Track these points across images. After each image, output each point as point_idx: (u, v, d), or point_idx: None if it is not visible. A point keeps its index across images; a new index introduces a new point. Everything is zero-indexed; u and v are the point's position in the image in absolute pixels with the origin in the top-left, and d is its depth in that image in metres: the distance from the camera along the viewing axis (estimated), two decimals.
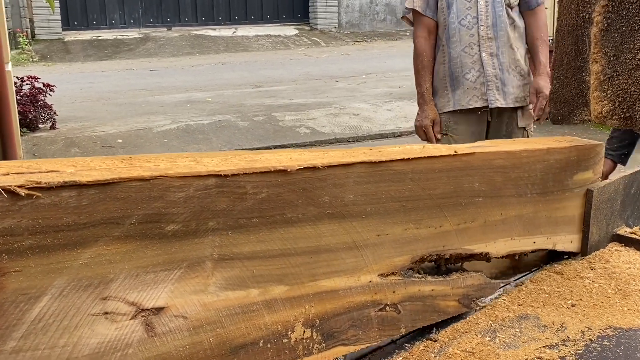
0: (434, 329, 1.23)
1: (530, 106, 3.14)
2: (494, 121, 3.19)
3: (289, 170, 0.94)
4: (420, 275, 1.18)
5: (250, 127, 7.89)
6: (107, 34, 15.32)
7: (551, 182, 1.42)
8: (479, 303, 1.32)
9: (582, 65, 1.74)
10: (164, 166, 0.82)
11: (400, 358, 1.14)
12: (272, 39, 16.03)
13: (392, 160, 1.08)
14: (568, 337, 1.17)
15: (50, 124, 7.56)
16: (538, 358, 1.10)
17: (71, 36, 14.88)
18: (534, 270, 1.52)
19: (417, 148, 1.18)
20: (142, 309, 0.80)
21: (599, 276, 1.45)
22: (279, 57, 14.21)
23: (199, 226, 0.85)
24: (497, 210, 1.30)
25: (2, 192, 0.64)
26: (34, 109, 7.40)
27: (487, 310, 1.30)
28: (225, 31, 16.30)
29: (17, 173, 0.68)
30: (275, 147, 7.28)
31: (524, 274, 1.50)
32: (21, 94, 7.11)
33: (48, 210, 0.69)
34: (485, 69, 3.09)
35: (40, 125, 7.51)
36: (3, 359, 0.69)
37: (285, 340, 0.97)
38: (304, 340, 1.00)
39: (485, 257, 1.31)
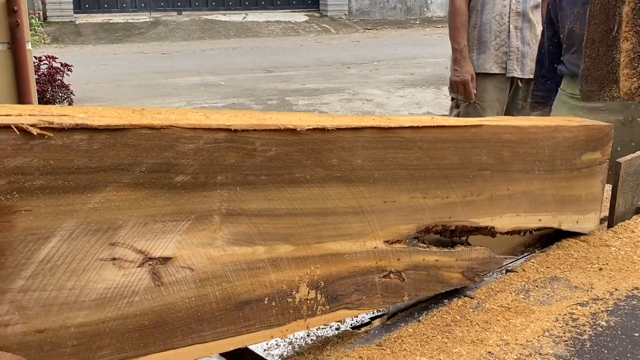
0: (471, 288, 1.30)
1: None
2: (515, 87, 3.51)
3: (298, 129, 0.93)
4: (425, 245, 1.18)
5: (264, 111, 7.91)
6: (118, 18, 15.36)
7: (559, 160, 1.41)
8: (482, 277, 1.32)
9: (613, 44, 1.80)
10: (174, 117, 0.83)
11: (440, 312, 1.19)
12: (282, 25, 16.01)
13: (401, 127, 1.07)
14: (597, 296, 1.23)
15: (67, 104, 7.60)
16: (570, 314, 1.16)
17: (82, 19, 14.94)
18: (539, 249, 1.52)
19: (426, 118, 1.18)
20: (149, 258, 0.80)
21: (624, 244, 1.49)
22: (289, 43, 14.19)
23: (208, 179, 0.85)
24: (504, 184, 1.29)
25: (15, 129, 0.65)
26: (52, 89, 7.44)
27: (518, 273, 1.36)
28: (236, 16, 16.30)
29: (30, 115, 0.69)
30: None
31: (527, 254, 1.50)
32: (39, 73, 7.14)
33: (59, 152, 0.70)
34: (510, 40, 3.43)
35: (57, 105, 7.56)
36: (11, 297, 0.70)
37: (290, 300, 0.97)
38: (308, 301, 1.00)
39: (490, 231, 1.30)
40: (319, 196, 0.99)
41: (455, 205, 1.20)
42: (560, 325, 1.12)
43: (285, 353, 1.09)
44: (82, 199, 0.72)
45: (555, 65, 2.88)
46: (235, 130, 0.86)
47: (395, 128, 1.06)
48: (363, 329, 1.17)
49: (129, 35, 14.33)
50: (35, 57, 6.50)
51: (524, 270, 1.37)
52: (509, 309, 1.19)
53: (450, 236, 1.25)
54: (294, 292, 0.97)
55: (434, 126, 1.13)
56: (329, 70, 10.87)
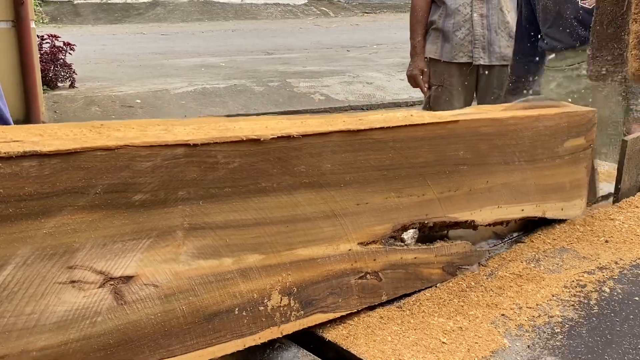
0: (484, 258, 1.35)
1: None
2: (484, 75, 3.53)
3: (262, 139, 0.91)
4: (402, 244, 1.17)
5: (265, 92, 7.88)
6: None
7: (540, 149, 1.38)
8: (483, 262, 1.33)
9: (621, 25, 1.84)
10: (132, 135, 0.81)
11: (456, 279, 1.25)
12: (280, 8, 15.90)
13: (371, 129, 1.05)
14: (603, 265, 1.30)
15: (70, 83, 7.59)
16: (578, 280, 1.23)
17: None
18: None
19: (400, 116, 1.16)
20: (110, 278, 0.80)
21: (628, 218, 1.55)
22: (288, 26, 14.11)
23: (168, 195, 0.84)
24: (482, 178, 1.27)
25: None
26: (54, 68, 7.43)
27: (527, 243, 1.42)
28: None
29: None
30: (291, 112, 7.28)
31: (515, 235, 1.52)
32: (41, 52, 7.11)
33: (9, 180, 0.68)
34: (475, 29, 3.45)
35: (59, 84, 7.55)
36: None
37: (262, 308, 0.96)
38: (281, 308, 0.99)
39: (470, 225, 1.29)
40: (288, 204, 0.97)
41: (432, 202, 1.19)
42: (568, 290, 1.19)
43: None
44: (36, 225, 0.71)
45: (535, 44, 2.86)
46: (195, 145, 0.84)
47: (365, 130, 1.04)
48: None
49: (127, 16, 14.25)
50: (37, 35, 6.47)
51: (532, 242, 1.43)
52: (521, 276, 1.25)
53: (429, 232, 1.24)
54: (266, 300, 0.96)
55: (406, 125, 1.10)
56: (328, 53, 10.80)
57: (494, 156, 1.28)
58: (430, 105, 3.74)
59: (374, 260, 1.11)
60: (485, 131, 1.25)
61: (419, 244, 1.20)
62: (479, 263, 1.31)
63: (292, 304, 1.00)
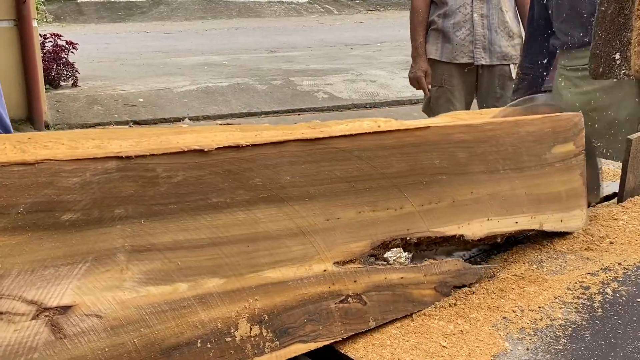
0: (486, 258, 1.34)
1: None
2: (485, 74, 3.52)
3: (206, 150, 0.84)
4: (385, 263, 1.10)
5: (268, 91, 7.83)
6: None
7: (526, 156, 1.31)
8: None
9: (624, 22, 1.83)
10: (62, 149, 0.74)
11: None
12: (284, 6, 15.86)
13: (332, 137, 0.98)
14: (607, 267, 1.29)
15: (72, 82, 7.58)
16: (581, 282, 1.22)
17: None
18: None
19: (366, 124, 1.09)
20: (44, 308, 0.73)
21: (632, 218, 1.52)
22: (292, 24, 14.06)
23: (103, 214, 0.77)
24: (465, 188, 1.19)
25: None
26: (57, 67, 7.41)
27: (530, 244, 1.40)
28: None
29: None
30: (294, 110, 7.25)
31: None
32: (44, 51, 7.09)
33: None
34: (475, 29, 3.44)
35: (62, 83, 7.54)
36: None
37: (229, 339, 0.88)
38: (252, 339, 0.90)
39: (460, 240, 1.22)
40: (246, 221, 0.90)
41: (412, 215, 1.11)
42: (571, 293, 1.18)
43: None
44: None
45: (546, 41, 2.80)
46: (129, 157, 0.77)
47: (325, 139, 0.97)
48: None
49: (131, 14, 14.23)
50: (40, 34, 6.45)
51: (534, 242, 1.40)
52: (523, 278, 1.24)
53: (415, 250, 1.17)
54: (233, 330, 0.88)
55: (371, 132, 1.03)
56: (332, 51, 10.75)
57: (476, 164, 1.21)
58: (430, 105, 3.70)
59: (355, 281, 1.03)
60: (461, 138, 1.18)
61: (405, 263, 1.14)
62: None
63: (264, 334, 0.91)
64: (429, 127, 1.11)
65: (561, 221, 1.41)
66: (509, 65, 3.45)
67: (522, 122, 1.30)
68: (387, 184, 1.06)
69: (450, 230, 1.18)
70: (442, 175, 1.14)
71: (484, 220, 1.24)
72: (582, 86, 2.72)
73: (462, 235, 1.20)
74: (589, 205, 1.53)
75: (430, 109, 3.73)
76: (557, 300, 1.15)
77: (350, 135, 0.99)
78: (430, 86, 3.60)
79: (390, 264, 1.11)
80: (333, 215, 1.00)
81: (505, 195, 1.27)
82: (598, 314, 1.10)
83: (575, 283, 1.21)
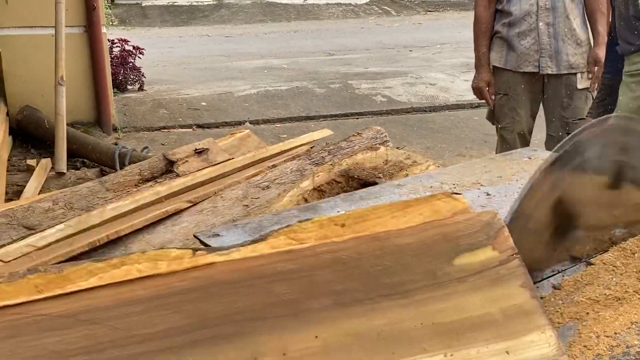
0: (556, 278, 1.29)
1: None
2: (552, 83, 3.44)
3: None
4: None
5: (327, 94, 7.89)
6: (182, 0, 15.55)
7: (407, 276, 1.00)
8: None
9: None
10: None
11: None
12: (342, 7, 15.88)
13: (39, 300, 0.74)
14: None
15: (139, 86, 7.80)
16: None
17: (148, 1, 15.21)
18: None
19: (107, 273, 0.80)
20: None
21: None
22: (350, 26, 14.09)
23: None
24: (304, 333, 0.88)
25: None
26: (124, 71, 7.64)
27: (604, 266, 1.35)
28: None
29: None
30: (352, 114, 7.27)
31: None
32: (112, 56, 7.33)
33: None
34: (541, 38, 3.35)
35: (129, 87, 7.76)
36: None
37: None
38: None
39: None
40: None
41: None
42: None
43: None
44: None
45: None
46: None
47: (26, 303, 0.72)
48: None
49: (193, 18, 14.53)
50: (108, 39, 6.66)
51: (605, 264, 1.36)
52: (598, 301, 1.21)
53: None
54: None
55: (98, 286, 0.75)
56: (390, 53, 10.73)
57: (317, 299, 0.92)
58: (494, 114, 3.67)
59: None
60: (284, 268, 0.90)
61: None
62: (552, 285, 1.27)
63: None
64: (213, 264, 0.83)
65: (507, 353, 1.03)
66: (575, 74, 3.38)
67: (394, 233, 1.01)
68: (150, 349, 0.76)
69: None
70: (258, 321, 0.84)
71: None
72: (636, 91, 2.69)
73: None
74: None
75: (494, 118, 3.70)
76: (633, 325, 1.12)
77: (71, 292, 0.74)
78: (494, 96, 3.57)
79: None
80: None
81: (382, 332, 0.95)
82: None
83: None
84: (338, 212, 1.64)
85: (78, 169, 4.90)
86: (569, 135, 1.38)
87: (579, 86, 3.39)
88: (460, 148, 6.03)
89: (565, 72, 3.39)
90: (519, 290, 1.06)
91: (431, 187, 1.82)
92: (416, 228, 1.04)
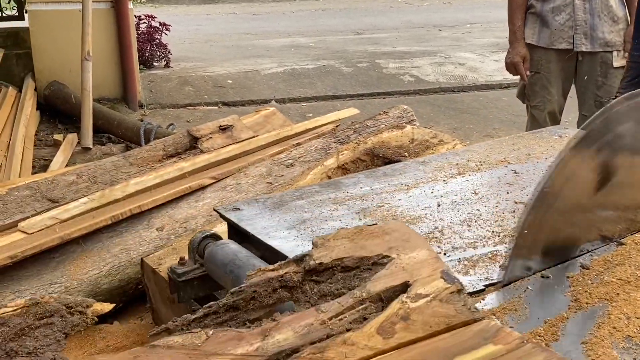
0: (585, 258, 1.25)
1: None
2: (586, 61, 3.36)
3: None
4: None
5: (354, 73, 7.81)
6: None
7: None
8: None
9: None
10: None
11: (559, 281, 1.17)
12: None
13: None
14: None
15: (165, 63, 7.80)
16: None
17: None
18: None
19: None
20: None
21: None
22: (378, 5, 13.93)
23: None
24: None
25: None
26: (150, 47, 7.65)
27: (634, 245, 1.31)
28: None
29: None
30: (380, 94, 7.19)
31: None
32: (138, 32, 7.33)
33: None
34: (576, 14, 3.26)
35: (155, 64, 7.77)
36: None
37: None
38: None
39: None
40: None
41: None
42: None
43: None
44: None
45: None
46: None
47: None
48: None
49: None
50: (135, 16, 6.67)
51: (636, 244, 1.32)
52: (629, 282, 1.17)
53: None
54: None
55: None
56: (419, 32, 10.58)
57: None
58: (525, 92, 3.59)
59: None
60: None
61: None
62: (580, 265, 1.22)
63: None
64: None
65: None
66: (611, 52, 3.29)
67: None
68: None
69: None
70: None
71: None
72: None
73: None
74: None
75: (525, 96, 3.62)
76: None
77: None
78: (528, 72, 3.48)
79: None
80: None
81: None
82: None
83: None
84: (361, 188, 1.60)
85: (104, 145, 4.92)
86: (599, 111, 1.31)
87: (615, 64, 3.30)
88: (488, 129, 5.93)
89: (600, 49, 3.31)
90: None
91: (457, 164, 1.77)
92: (400, 351, 0.96)
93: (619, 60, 3.31)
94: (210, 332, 0.99)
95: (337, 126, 3.76)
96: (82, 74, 4.81)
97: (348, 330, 0.98)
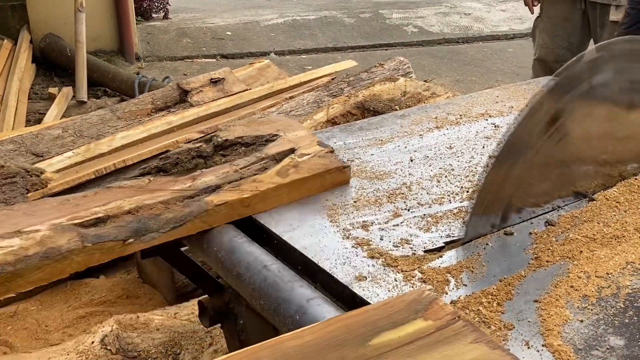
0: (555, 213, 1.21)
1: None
2: (590, 11, 3.32)
3: None
4: None
5: (356, 24, 7.66)
6: None
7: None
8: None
9: None
10: None
11: (521, 240, 1.14)
12: None
13: None
14: None
15: (163, 14, 7.66)
16: None
17: None
18: None
19: None
20: None
21: None
22: None
23: None
24: None
25: None
26: None
27: (605, 201, 1.26)
28: None
29: None
30: (382, 45, 7.06)
31: None
32: None
33: None
34: None
35: (153, 15, 7.63)
36: None
37: None
38: None
39: None
40: None
41: None
42: None
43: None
44: None
45: None
46: None
47: None
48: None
49: None
50: None
51: (608, 199, 1.26)
52: (595, 239, 1.12)
53: None
54: None
55: None
56: None
57: None
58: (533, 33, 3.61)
59: None
60: None
61: None
62: (546, 222, 1.18)
63: None
64: None
65: None
66: (609, 5, 3.23)
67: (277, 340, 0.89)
68: None
69: None
70: None
71: None
72: None
73: None
74: None
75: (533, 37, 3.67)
76: (629, 266, 1.04)
77: None
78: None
79: None
80: None
81: None
82: None
83: None
84: (335, 142, 1.57)
85: (99, 98, 4.88)
86: (574, 58, 1.24)
87: (611, 18, 3.22)
88: (490, 81, 5.83)
89: (600, 1, 3.24)
90: (472, 347, 0.91)
91: (436, 117, 1.73)
92: (317, 326, 0.94)
93: (615, 14, 3.22)
94: (152, 178, 1.37)
95: (332, 79, 3.70)
96: (76, 26, 4.74)
97: (255, 174, 1.33)
